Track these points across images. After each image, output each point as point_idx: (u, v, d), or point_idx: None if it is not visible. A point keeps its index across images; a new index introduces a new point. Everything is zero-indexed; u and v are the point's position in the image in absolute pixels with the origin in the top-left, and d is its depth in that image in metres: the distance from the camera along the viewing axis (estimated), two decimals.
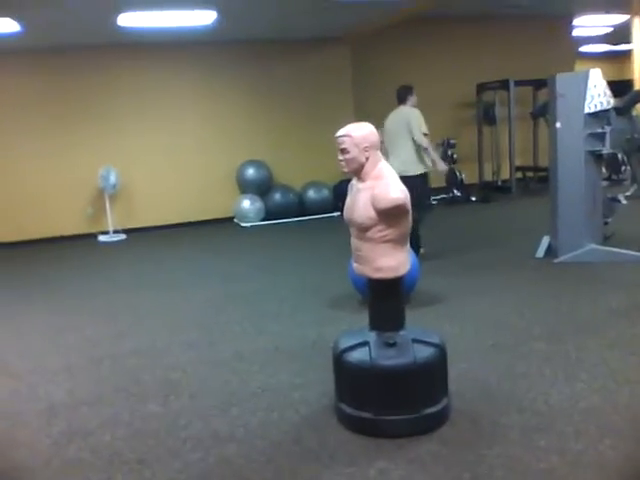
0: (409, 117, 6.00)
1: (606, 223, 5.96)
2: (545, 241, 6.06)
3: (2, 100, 8.88)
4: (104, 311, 5.32)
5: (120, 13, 7.02)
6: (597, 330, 4.00)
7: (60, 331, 4.82)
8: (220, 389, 3.48)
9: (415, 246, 5.56)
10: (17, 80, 8.92)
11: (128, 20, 7.31)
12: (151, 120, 9.52)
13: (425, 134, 5.95)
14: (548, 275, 5.45)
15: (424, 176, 6.01)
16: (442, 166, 6.29)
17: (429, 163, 6.11)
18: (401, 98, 6.28)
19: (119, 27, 7.63)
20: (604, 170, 5.93)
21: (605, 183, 6.00)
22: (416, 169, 5.92)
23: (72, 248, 8.63)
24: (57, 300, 5.82)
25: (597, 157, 5.66)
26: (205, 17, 7.55)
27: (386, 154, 6.20)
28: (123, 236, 9.21)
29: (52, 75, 9.03)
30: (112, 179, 9.02)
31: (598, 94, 5.50)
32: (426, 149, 5.98)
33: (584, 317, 4.27)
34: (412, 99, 6.23)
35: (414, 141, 5.93)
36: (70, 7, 6.61)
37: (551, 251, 5.96)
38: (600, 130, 5.54)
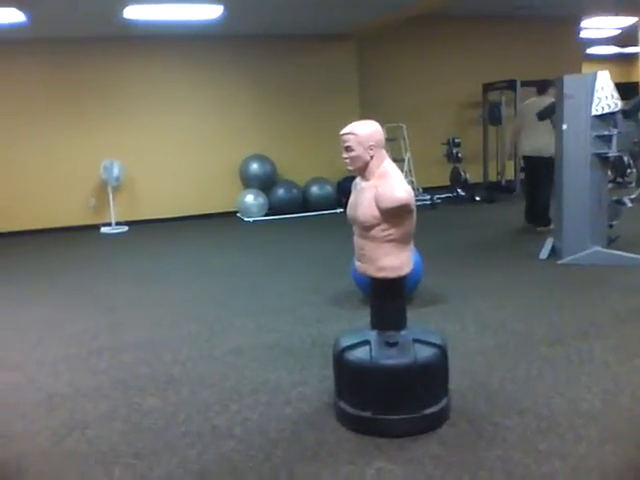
0: None
1: (611, 226, 5.94)
2: (549, 242, 6.04)
3: (6, 92, 8.86)
4: (104, 303, 5.31)
5: (127, 5, 7.00)
6: (600, 333, 3.99)
7: (60, 322, 4.82)
8: (219, 384, 3.47)
9: (544, 219, 7.16)
10: (22, 72, 8.89)
11: (134, 13, 7.29)
12: (155, 113, 9.51)
13: None
14: (551, 277, 5.43)
15: (553, 159, 6.41)
16: None
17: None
18: (542, 89, 7.33)
19: (125, 20, 7.60)
20: (610, 173, 5.91)
21: (610, 185, 5.97)
22: (550, 151, 6.50)
23: (74, 239, 8.62)
24: (58, 291, 5.81)
25: (603, 159, 5.63)
26: (212, 11, 7.52)
27: (517, 135, 7.52)
28: (125, 228, 9.21)
29: (56, 67, 9.02)
30: (115, 171, 9.01)
31: (605, 96, 5.47)
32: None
33: (587, 320, 4.24)
34: (551, 91, 6.92)
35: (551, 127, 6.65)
36: None
37: (555, 253, 5.94)
38: (607, 132, 5.51)
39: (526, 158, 7.45)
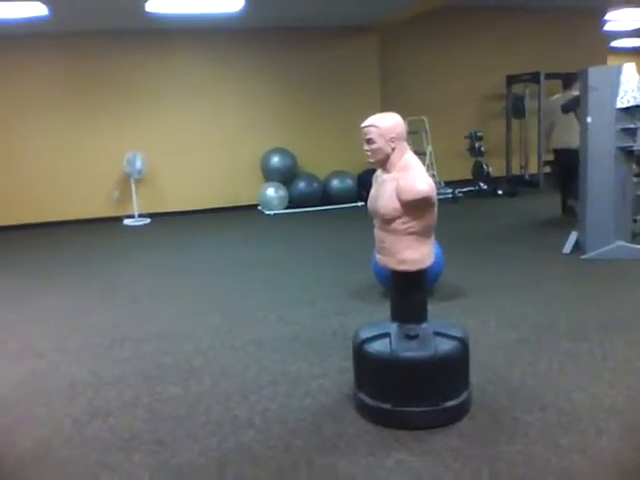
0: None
1: (635, 220, 5.86)
2: (573, 237, 5.98)
3: (30, 85, 8.96)
4: (127, 293, 5.36)
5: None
6: (623, 328, 3.94)
7: (84, 312, 4.88)
8: (240, 375, 3.49)
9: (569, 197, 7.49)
10: (45, 65, 8.99)
11: (156, 6, 7.32)
12: (177, 106, 9.56)
13: None
14: (575, 271, 5.38)
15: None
16: None
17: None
18: (568, 83, 7.54)
19: (147, 13, 7.64)
20: (634, 166, 5.83)
21: (635, 180, 5.89)
22: (578, 144, 6.44)
23: (97, 231, 8.72)
24: (81, 282, 5.89)
25: (628, 153, 5.55)
26: (233, 4, 7.53)
27: (550, 131, 7.88)
28: (148, 220, 9.29)
29: (79, 60, 9.09)
30: (138, 164, 9.09)
31: (632, 89, 5.39)
32: None
33: (610, 315, 4.20)
34: (575, 85, 7.09)
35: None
36: None
37: (579, 247, 5.88)
38: (632, 126, 5.44)
39: (556, 151, 7.79)
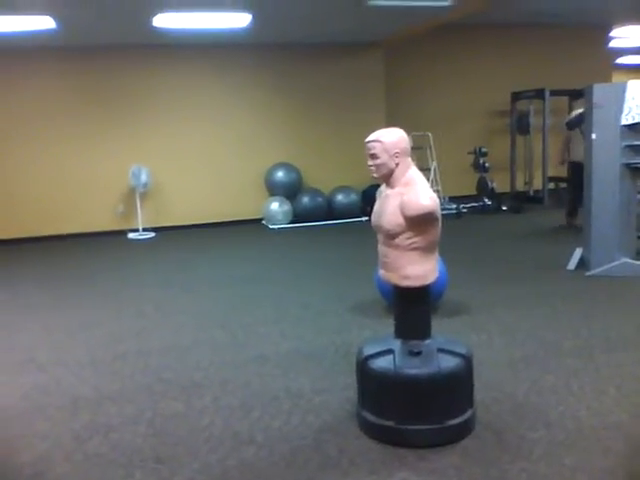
0: None
1: None
2: (577, 253, 5.96)
3: (36, 97, 9.03)
4: (130, 308, 5.36)
5: (156, 14, 7.08)
6: (628, 346, 3.91)
7: (87, 326, 4.87)
8: (242, 391, 3.47)
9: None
10: (51, 78, 9.06)
11: (163, 21, 7.37)
12: (183, 121, 9.61)
13: None
14: (579, 288, 5.35)
15: None
16: None
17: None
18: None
19: (154, 28, 7.70)
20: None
21: None
22: None
23: (102, 244, 8.73)
24: (85, 295, 5.88)
25: (633, 170, 5.54)
26: (240, 20, 7.58)
27: (566, 145, 8.37)
28: (152, 234, 9.30)
29: (85, 74, 9.17)
30: (143, 178, 9.12)
31: (636, 106, 5.39)
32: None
33: (615, 332, 4.17)
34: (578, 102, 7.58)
35: None
36: (107, 7, 6.69)
37: (583, 264, 5.86)
38: (637, 143, 5.43)
39: (572, 163, 8.16)
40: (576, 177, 7.96)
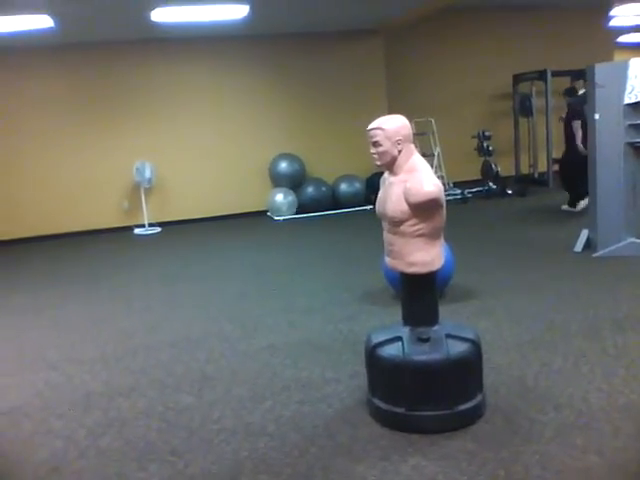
0: None
1: None
2: (584, 235, 5.94)
3: (39, 95, 9.04)
4: (139, 303, 5.38)
5: (154, 8, 7.07)
6: (636, 326, 3.91)
7: (96, 322, 4.90)
8: (253, 382, 3.49)
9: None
10: (52, 75, 9.08)
11: (162, 15, 7.37)
12: (185, 114, 9.61)
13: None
14: (587, 269, 5.34)
15: None
16: None
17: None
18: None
19: (153, 22, 7.69)
20: None
21: None
22: None
23: (108, 241, 8.77)
24: (93, 292, 5.91)
25: (637, 149, 5.52)
26: (238, 11, 7.57)
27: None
28: (158, 229, 9.33)
29: (86, 71, 9.17)
30: (147, 173, 9.13)
31: (639, 84, 5.35)
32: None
33: (623, 313, 4.16)
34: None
35: None
36: (106, 3, 6.68)
37: (590, 245, 5.84)
38: None
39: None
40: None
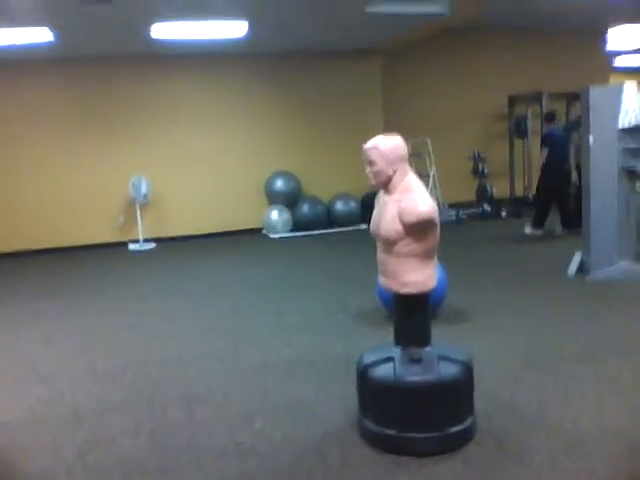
0: None
1: None
2: (577, 258, 5.95)
3: (35, 109, 9.04)
4: (132, 318, 5.35)
5: (153, 24, 7.12)
6: (628, 350, 3.90)
7: (88, 337, 4.87)
8: (244, 401, 3.47)
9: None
10: (50, 89, 9.08)
11: (161, 31, 7.41)
12: (182, 131, 9.62)
13: None
14: (580, 292, 5.35)
15: None
16: None
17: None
18: None
19: (152, 38, 7.73)
20: (638, 185, 5.82)
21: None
22: None
23: (103, 256, 8.73)
24: (86, 307, 5.88)
25: (631, 173, 5.55)
26: (237, 29, 7.62)
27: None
28: (153, 245, 9.30)
29: (84, 85, 9.19)
30: (143, 189, 9.13)
31: (633, 109, 5.40)
32: None
33: (616, 337, 4.16)
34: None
35: None
36: (105, 18, 6.72)
37: (583, 268, 5.85)
38: (634, 146, 5.43)
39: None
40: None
